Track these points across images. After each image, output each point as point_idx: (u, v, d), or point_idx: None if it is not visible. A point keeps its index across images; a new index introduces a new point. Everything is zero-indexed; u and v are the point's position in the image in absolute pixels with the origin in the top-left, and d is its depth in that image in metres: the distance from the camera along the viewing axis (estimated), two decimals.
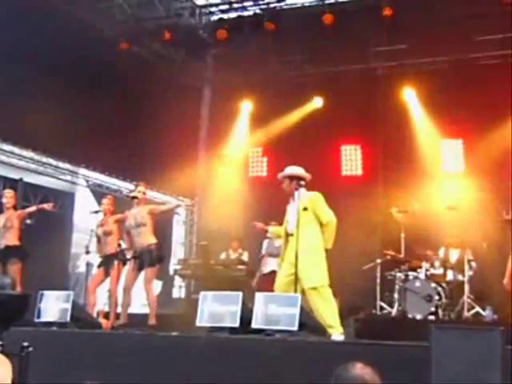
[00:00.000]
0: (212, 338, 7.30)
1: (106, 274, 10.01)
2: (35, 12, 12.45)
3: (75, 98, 13.18)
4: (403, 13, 13.48)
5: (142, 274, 9.76)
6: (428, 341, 5.36)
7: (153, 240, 9.66)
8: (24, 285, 9.70)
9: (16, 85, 12.20)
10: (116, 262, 9.88)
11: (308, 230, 7.97)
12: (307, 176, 8.23)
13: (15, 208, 10.61)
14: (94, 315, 9.85)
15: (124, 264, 9.98)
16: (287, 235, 8.14)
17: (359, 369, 3.24)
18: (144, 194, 10.01)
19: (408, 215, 12.24)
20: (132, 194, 10.14)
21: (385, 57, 15.21)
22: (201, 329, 7.69)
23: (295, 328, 6.81)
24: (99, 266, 10.17)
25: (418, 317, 11.05)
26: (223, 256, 13.56)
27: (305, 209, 7.99)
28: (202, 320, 7.60)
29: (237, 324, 7.25)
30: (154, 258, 9.59)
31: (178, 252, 17.47)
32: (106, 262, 10.00)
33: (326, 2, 14.19)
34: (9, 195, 10.58)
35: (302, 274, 7.78)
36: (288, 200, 8.29)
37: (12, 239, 10.26)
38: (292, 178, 8.20)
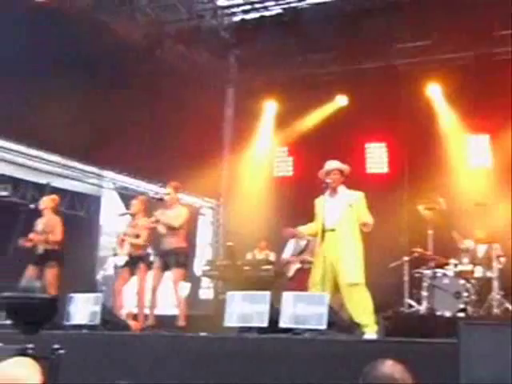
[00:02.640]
0: (241, 339, 7.31)
1: (131, 274, 10.06)
2: (59, 17, 12.56)
3: (100, 101, 13.28)
4: (426, 8, 13.41)
5: (169, 275, 9.78)
6: (456, 337, 5.32)
7: (181, 244, 9.68)
8: (60, 289, 9.81)
9: (41, 90, 12.30)
10: (142, 265, 9.93)
11: (351, 227, 7.98)
12: (349, 172, 8.28)
13: (56, 212, 10.67)
14: (123, 317, 9.89)
15: (149, 267, 10.02)
16: (324, 231, 8.03)
17: (389, 366, 3.19)
18: (174, 194, 10.00)
19: (435, 212, 12.14)
20: (158, 196, 10.20)
21: (408, 53, 15.12)
22: (229, 329, 7.70)
23: (324, 327, 6.80)
24: (124, 266, 10.23)
25: (447, 314, 10.96)
26: (249, 256, 13.55)
27: (350, 205, 7.98)
28: (231, 320, 7.61)
29: (265, 324, 7.25)
30: (179, 262, 9.61)
31: (205, 253, 17.48)
32: (132, 262, 10.05)
33: None
34: (47, 200, 10.68)
35: (342, 270, 7.77)
36: (316, 194, 8.27)
37: (51, 244, 10.35)
38: (342, 172, 8.22)
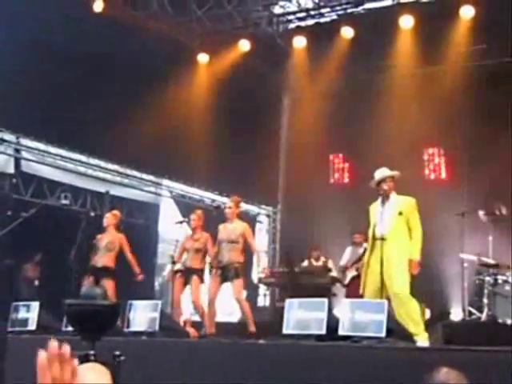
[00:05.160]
0: (299, 346, 7.29)
1: (185, 283, 10.20)
2: (117, 27, 12.75)
3: (157, 111, 13.42)
4: (483, 12, 13.25)
5: (228, 286, 9.91)
6: None
7: (240, 259, 9.81)
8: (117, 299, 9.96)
9: (100, 101, 12.50)
10: (196, 277, 10.07)
11: (401, 236, 7.91)
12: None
13: (118, 229, 10.88)
14: (181, 324, 9.98)
15: (202, 281, 10.17)
16: (375, 239, 8.01)
17: (444, 374, 3.21)
18: (235, 209, 10.10)
19: (495, 218, 11.95)
20: (215, 205, 10.36)
21: (465, 57, 14.93)
22: (287, 336, 7.69)
23: (383, 334, 6.75)
24: (176, 273, 10.36)
25: (509, 322, 10.76)
26: (305, 264, 13.53)
27: (400, 213, 7.92)
28: (289, 327, 7.60)
29: (323, 331, 7.22)
30: (238, 274, 9.72)
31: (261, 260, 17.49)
32: (186, 272, 10.18)
33: (403, 3, 14.04)
34: (110, 217, 10.89)
35: (389, 280, 7.71)
36: (371, 202, 8.23)
37: (109, 261, 10.57)
38: (394, 178, 8.18)
